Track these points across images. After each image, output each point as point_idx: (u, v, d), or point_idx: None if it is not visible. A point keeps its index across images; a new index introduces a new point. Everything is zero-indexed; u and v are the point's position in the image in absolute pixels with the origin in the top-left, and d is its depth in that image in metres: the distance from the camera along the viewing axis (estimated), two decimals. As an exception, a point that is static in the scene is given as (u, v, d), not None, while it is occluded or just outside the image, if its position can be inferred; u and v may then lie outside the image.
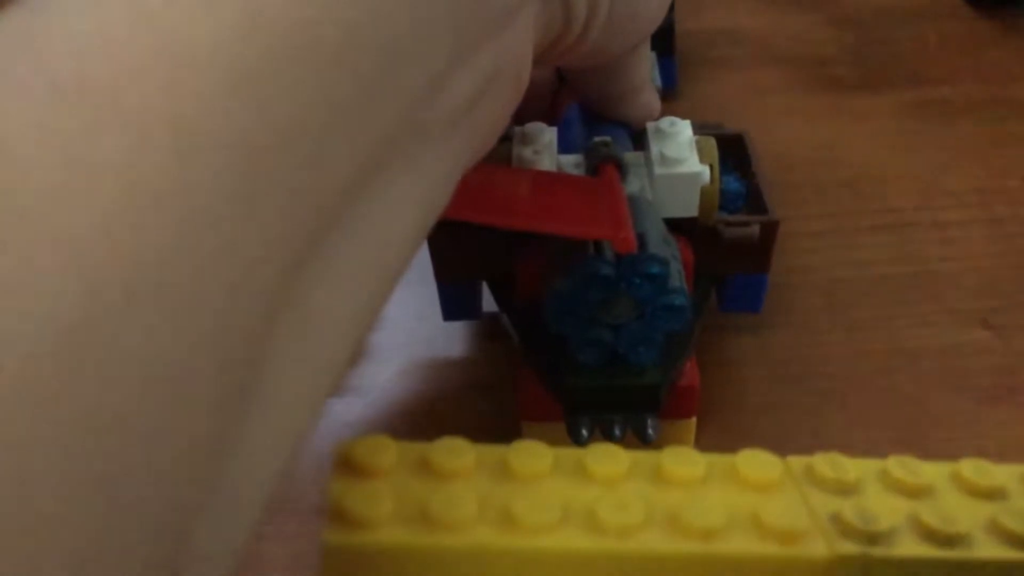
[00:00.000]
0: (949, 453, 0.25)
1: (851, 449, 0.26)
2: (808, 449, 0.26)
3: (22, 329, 0.10)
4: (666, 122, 0.25)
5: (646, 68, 0.27)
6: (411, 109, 0.15)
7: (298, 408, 0.14)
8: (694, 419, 0.25)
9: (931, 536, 0.15)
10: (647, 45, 0.26)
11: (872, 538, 0.15)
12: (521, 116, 0.27)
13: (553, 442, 0.23)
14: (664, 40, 0.37)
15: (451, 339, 0.29)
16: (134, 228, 0.11)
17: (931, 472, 0.16)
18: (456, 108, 0.16)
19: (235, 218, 0.12)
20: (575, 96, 0.29)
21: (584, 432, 0.23)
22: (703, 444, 0.25)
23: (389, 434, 0.26)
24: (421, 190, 0.16)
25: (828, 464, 0.16)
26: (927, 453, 0.25)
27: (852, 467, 0.16)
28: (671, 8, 0.37)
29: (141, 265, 0.11)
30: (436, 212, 0.17)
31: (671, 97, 0.38)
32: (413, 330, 0.30)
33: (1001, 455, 0.26)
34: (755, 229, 0.25)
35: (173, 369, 0.11)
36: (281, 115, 0.12)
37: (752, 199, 0.26)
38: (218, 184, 0.12)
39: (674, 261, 0.23)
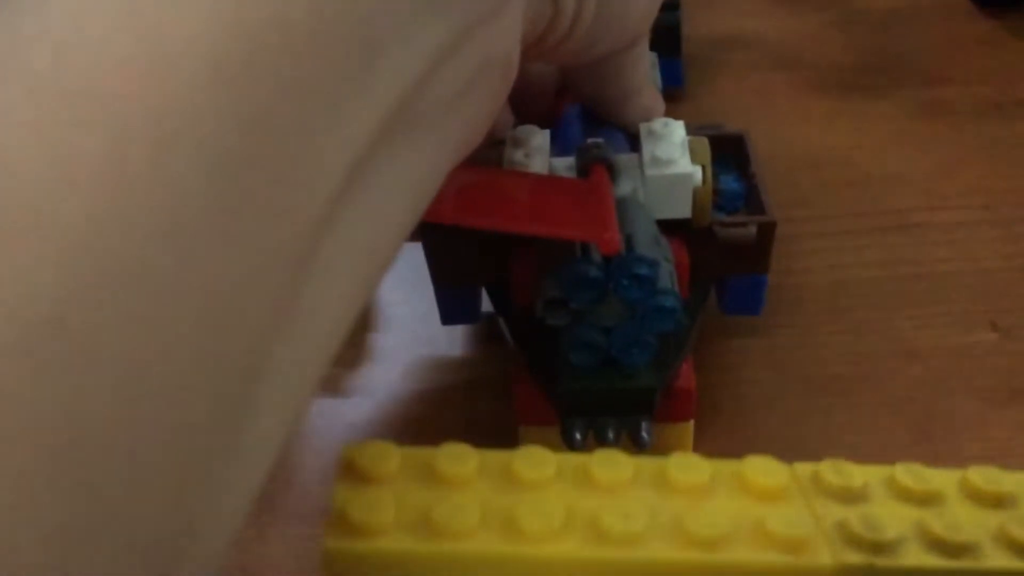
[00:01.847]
0: (956, 456, 0.25)
1: (856, 453, 0.25)
2: (812, 453, 0.25)
3: None
4: (659, 123, 0.25)
5: (643, 70, 0.27)
6: (399, 100, 0.14)
7: (287, 412, 0.14)
8: (691, 423, 0.25)
9: (938, 546, 0.15)
10: (644, 47, 0.26)
11: (878, 547, 0.15)
12: (525, 115, 0.27)
13: (550, 446, 0.23)
14: (671, 42, 0.37)
15: (453, 340, 0.29)
16: (114, 222, 0.11)
17: (939, 479, 0.16)
18: (445, 99, 0.16)
19: (218, 211, 0.12)
20: (569, 100, 0.28)
21: (577, 436, 0.23)
22: (703, 448, 0.25)
23: (392, 434, 0.26)
24: (409, 181, 0.16)
25: (835, 471, 0.16)
26: (934, 456, 0.25)
27: (859, 474, 0.16)
28: (677, 9, 0.37)
29: (121, 259, 0.11)
30: (425, 202, 0.16)
31: (678, 99, 0.38)
32: (415, 331, 0.29)
33: (1008, 457, 0.25)
34: (752, 230, 0.25)
35: (157, 367, 0.11)
36: (262, 107, 0.12)
37: (751, 199, 0.26)
38: (199, 178, 0.11)
39: (665, 262, 0.22)
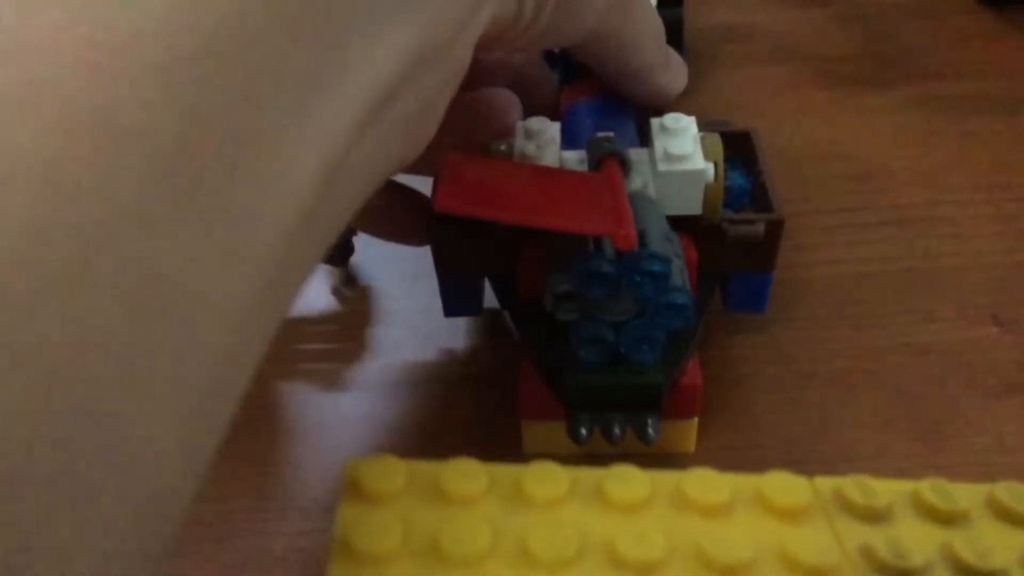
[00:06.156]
0: (961, 451, 0.25)
1: (860, 448, 0.25)
2: (815, 449, 0.25)
3: None
4: (671, 118, 0.25)
5: (653, 46, 0.26)
6: (375, 102, 0.14)
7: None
8: (696, 419, 0.24)
9: (965, 571, 0.14)
10: (644, 18, 0.25)
11: (904, 574, 0.14)
12: (529, 110, 0.26)
13: (554, 440, 0.23)
14: (674, 36, 0.36)
15: (456, 334, 0.29)
16: (55, 222, 0.10)
17: (965, 497, 0.15)
18: (377, 90, 0.15)
19: (164, 210, 0.11)
20: (579, 95, 0.28)
21: (583, 431, 0.22)
22: (706, 443, 0.25)
23: (392, 430, 0.26)
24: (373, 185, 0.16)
25: (857, 489, 0.15)
26: (937, 451, 0.25)
27: (882, 491, 0.15)
28: (681, 4, 0.36)
29: (60, 262, 0.10)
30: (362, 198, 0.16)
31: (680, 93, 0.38)
32: (417, 325, 0.29)
33: (1014, 452, 0.25)
34: (760, 227, 0.25)
35: (90, 373, 0.11)
36: (215, 105, 0.12)
37: (758, 196, 0.26)
38: (141, 176, 0.11)
39: (676, 259, 0.22)
